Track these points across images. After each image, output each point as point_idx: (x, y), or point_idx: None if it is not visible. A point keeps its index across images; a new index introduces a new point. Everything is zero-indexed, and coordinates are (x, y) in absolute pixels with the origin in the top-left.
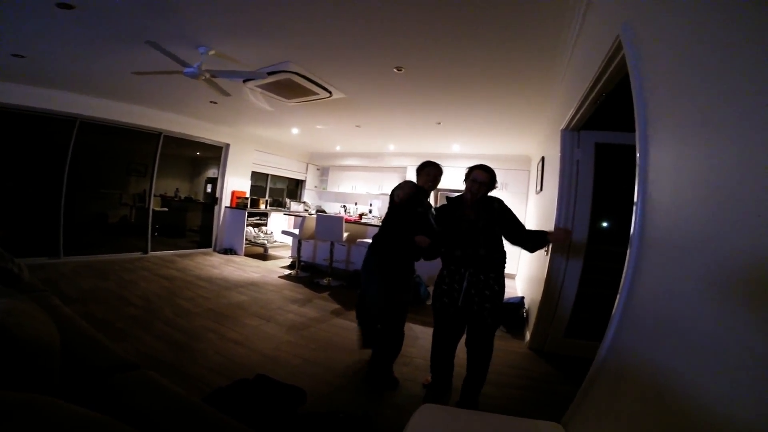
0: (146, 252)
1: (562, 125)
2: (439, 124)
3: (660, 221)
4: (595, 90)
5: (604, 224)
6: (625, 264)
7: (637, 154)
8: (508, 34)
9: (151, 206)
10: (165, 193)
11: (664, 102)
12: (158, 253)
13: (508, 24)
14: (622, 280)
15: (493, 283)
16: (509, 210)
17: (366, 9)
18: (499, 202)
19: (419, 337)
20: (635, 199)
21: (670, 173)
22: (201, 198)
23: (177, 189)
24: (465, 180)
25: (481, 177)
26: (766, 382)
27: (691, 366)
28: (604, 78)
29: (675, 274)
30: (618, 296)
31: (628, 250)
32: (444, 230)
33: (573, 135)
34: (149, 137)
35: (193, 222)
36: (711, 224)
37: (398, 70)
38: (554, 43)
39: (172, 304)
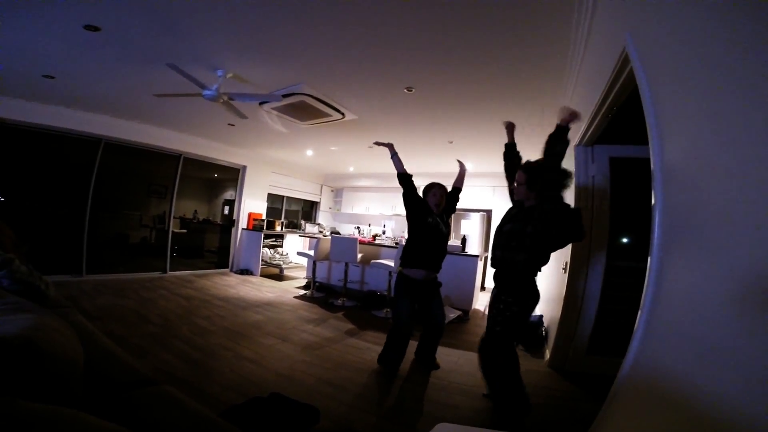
0: (165, 272)
1: (575, 141)
2: (451, 143)
3: (679, 230)
4: (606, 104)
5: (624, 240)
6: (647, 276)
7: (652, 165)
8: (516, 52)
9: (171, 228)
10: (184, 214)
11: (675, 110)
12: (177, 272)
13: (516, 41)
14: (644, 292)
15: (506, 295)
16: (556, 210)
17: (376, 32)
18: (554, 205)
19: (457, 361)
20: (653, 210)
21: (686, 182)
22: (219, 220)
23: (195, 211)
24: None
25: (520, 178)
26: None
27: (717, 379)
28: (614, 91)
29: (698, 283)
30: (640, 310)
31: (648, 261)
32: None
33: (586, 150)
34: (170, 159)
35: (211, 243)
36: (733, 229)
37: (408, 91)
38: (562, 57)
39: (190, 322)
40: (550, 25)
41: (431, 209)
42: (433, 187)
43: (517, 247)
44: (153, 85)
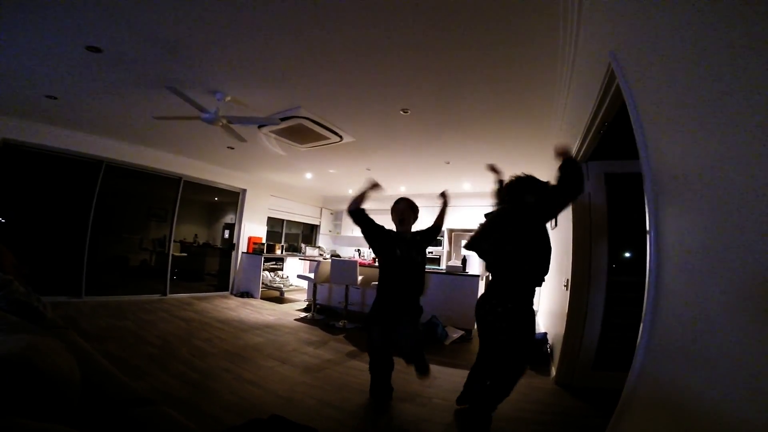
0: (165, 294)
1: None
2: (448, 163)
3: (675, 241)
4: (597, 120)
5: (626, 254)
6: (646, 288)
7: (644, 179)
8: (506, 73)
9: (171, 251)
10: (184, 239)
11: (662, 123)
12: (177, 295)
13: (506, 61)
14: (644, 304)
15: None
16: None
17: (372, 56)
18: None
19: (437, 377)
20: (648, 222)
21: (679, 193)
22: (219, 243)
23: (196, 235)
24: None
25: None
26: None
27: (722, 390)
28: (604, 107)
29: (697, 293)
30: (641, 323)
31: (647, 274)
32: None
33: (582, 166)
34: (170, 182)
35: (211, 266)
36: (727, 239)
37: (404, 112)
38: (551, 76)
39: (189, 344)
40: (538, 45)
41: (399, 236)
42: (395, 204)
43: (531, 270)
44: (153, 108)
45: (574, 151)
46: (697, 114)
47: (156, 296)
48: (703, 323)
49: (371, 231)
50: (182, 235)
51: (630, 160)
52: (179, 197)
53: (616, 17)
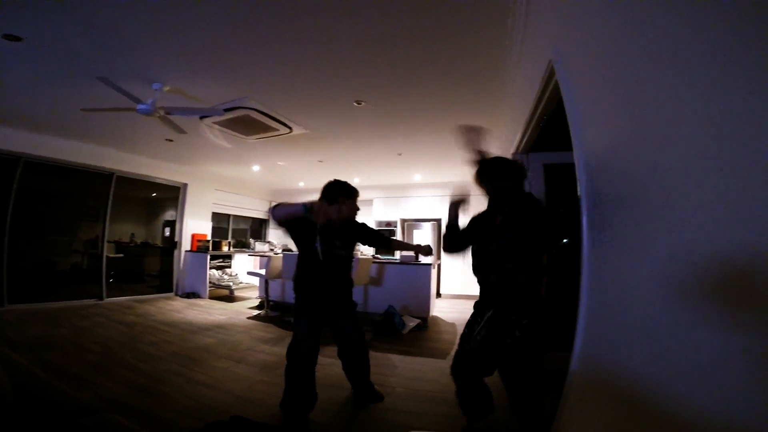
0: (101, 298)
1: (512, 149)
2: (401, 155)
3: (602, 229)
4: (537, 113)
5: (564, 240)
6: (581, 273)
7: (576, 169)
8: (453, 67)
9: (105, 253)
10: (120, 238)
11: (592, 115)
12: (115, 299)
13: (456, 54)
14: (581, 289)
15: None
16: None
17: (324, 46)
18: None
19: (397, 366)
20: (581, 213)
21: (605, 180)
22: (159, 242)
23: (132, 234)
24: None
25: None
26: (734, 378)
27: (657, 367)
28: (544, 101)
29: (629, 275)
30: (579, 306)
31: (582, 260)
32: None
33: (523, 158)
34: (101, 178)
35: (152, 267)
36: (654, 223)
37: (358, 104)
38: (497, 70)
39: (133, 349)
40: (485, 40)
41: (330, 230)
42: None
43: (516, 268)
44: (82, 100)
45: (516, 143)
46: (624, 105)
47: (91, 301)
48: (635, 304)
49: (294, 225)
50: (117, 234)
51: (567, 152)
52: (112, 194)
53: (559, 14)
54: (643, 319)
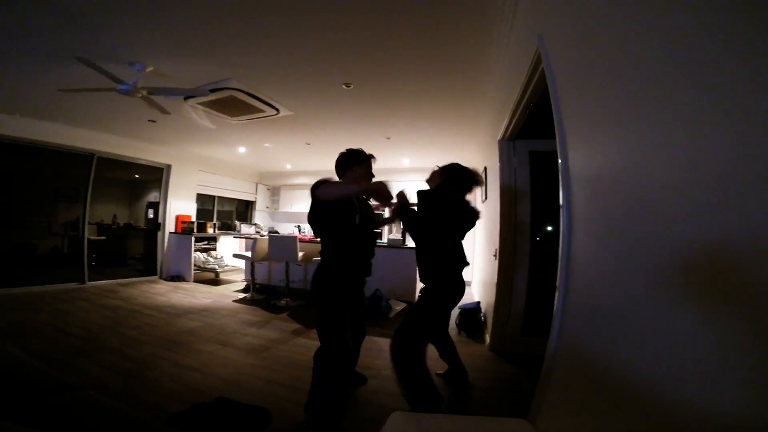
0: (83, 282)
1: (499, 136)
2: (389, 139)
3: (582, 217)
4: (524, 101)
5: (549, 228)
6: (559, 260)
7: (558, 157)
8: (445, 51)
9: (86, 235)
10: (102, 220)
11: (577, 105)
12: (97, 282)
13: (444, 39)
14: (558, 276)
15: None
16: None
17: (312, 27)
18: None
19: (383, 349)
20: (560, 200)
21: (587, 169)
22: (142, 224)
23: (115, 216)
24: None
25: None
26: (711, 366)
27: (633, 353)
28: (530, 88)
29: (603, 263)
30: (556, 292)
31: (560, 246)
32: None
33: (509, 144)
34: (81, 159)
35: (135, 250)
36: (629, 214)
37: (347, 87)
38: (485, 56)
39: (118, 333)
40: (474, 25)
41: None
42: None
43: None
44: (60, 80)
45: (503, 130)
46: (608, 96)
47: (73, 285)
48: (611, 290)
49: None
50: (99, 216)
51: (550, 139)
52: (92, 176)
53: (548, 1)
54: (615, 307)
